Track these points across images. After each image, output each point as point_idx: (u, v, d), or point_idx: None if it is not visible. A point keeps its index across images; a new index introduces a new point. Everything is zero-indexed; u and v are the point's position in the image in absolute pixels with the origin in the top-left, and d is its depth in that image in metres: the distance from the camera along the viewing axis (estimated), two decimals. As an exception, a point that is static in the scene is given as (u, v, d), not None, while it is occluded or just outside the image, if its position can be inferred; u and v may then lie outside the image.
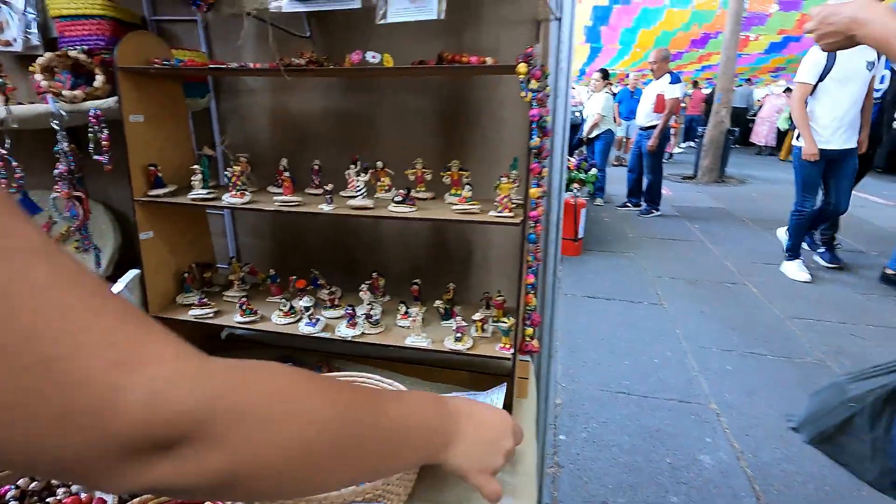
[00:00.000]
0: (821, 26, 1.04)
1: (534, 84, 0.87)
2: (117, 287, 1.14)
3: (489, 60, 0.94)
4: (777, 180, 9.33)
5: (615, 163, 9.82)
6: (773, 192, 8.19)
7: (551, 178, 1.20)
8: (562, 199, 1.25)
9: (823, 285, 4.21)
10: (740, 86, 12.99)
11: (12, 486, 0.80)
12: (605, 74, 7.05)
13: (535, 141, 0.89)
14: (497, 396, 0.98)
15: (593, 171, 5.94)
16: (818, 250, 4.62)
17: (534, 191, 0.92)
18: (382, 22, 0.87)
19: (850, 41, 1.02)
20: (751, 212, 6.87)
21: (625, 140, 9.83)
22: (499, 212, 0.98)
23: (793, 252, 4.37)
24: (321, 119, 1.35)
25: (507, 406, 1.03)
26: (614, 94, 8.41)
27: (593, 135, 6.73)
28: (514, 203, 1.01)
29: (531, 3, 1.10)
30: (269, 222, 1.50)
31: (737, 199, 7.72)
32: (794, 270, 4.33)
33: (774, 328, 3.48)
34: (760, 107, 12.98)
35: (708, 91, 12.74)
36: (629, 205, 6.83)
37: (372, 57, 0.96)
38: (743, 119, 12.80)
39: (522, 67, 0.86)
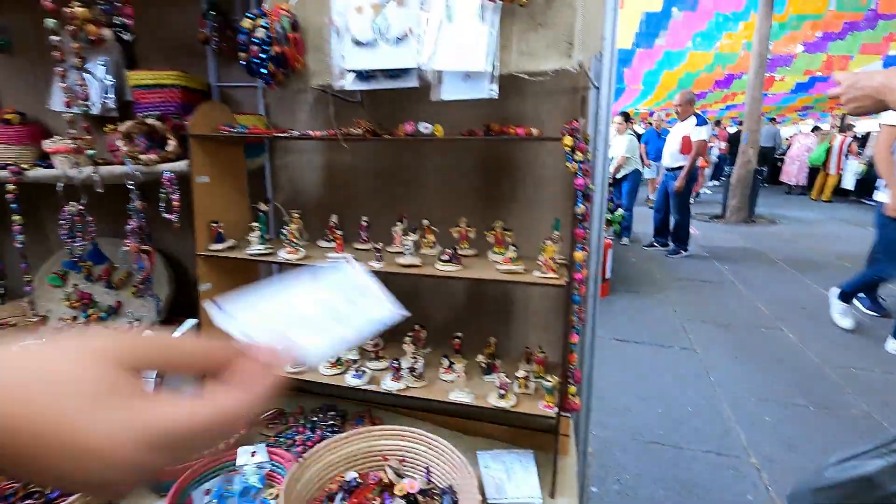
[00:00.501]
0: (849, 90, 1.08)
1: (579, 155, 0.92)
2: (175, 336, 1.20)
3: (535, 132, 1.00)
4: (809, 220, 9.14)
5: (649, 204, 9.76)
6: (806, 233, 8.02)
7: (590, 237, 1.24)
8: (600, 257, 1.28)
9: (865, 333, 4.07)
10: (765, 125, 12.95)
11: None
12: (626, 117, 7.14)
13: (581, 208, 0.94)
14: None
15: (619, 211, 5.95)
16: (859, 295, 4.46)
17: (578, 254, 0.96)
18: (436, 99, 0.94)
19: (878, 105, 1.05)
20: (783, 252, 6.73)
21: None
22: (543, 272, 1.02)
23: (846, 298, 4.18)
24: (368, 176, 1.42)
25: (552, 464, 1.04)
26: (639, 136, 8.48)
27: (620, 175, 6.78)
28: (557, 263, 1.05)
29: (570, 74, 1.17)
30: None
31: (767, 239, 7.58)
32: (838, 315, 4.18)
33: (814, 376, 3.36)
34: (789, 146, 12.87)
35: (733, 130, 12.73)
36: (656, 244, 6.77)
37: (424, 128, 1.03)
38: (770, 158, 12.70)
39: (568, 140, 0.92)
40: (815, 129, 12.76)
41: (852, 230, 8.27)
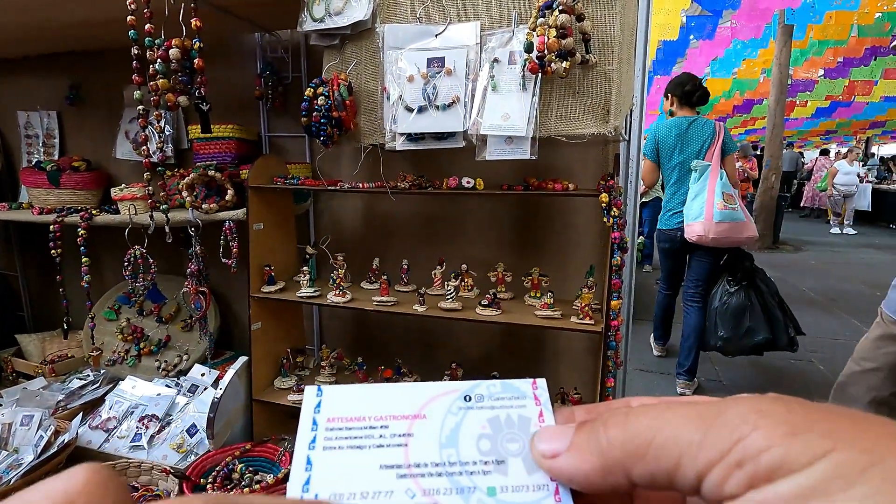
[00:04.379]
0: None
1: (615, 211, 0.98)
2: (229, 374, 1.28)
3: (571, 186, 1.07)
4: (835, 244, 8.99)
5: None
6: (832, 260, 7.89)
7: (623, 283, 1.29)
8: (632, 301, 1.32)
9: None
10: (786, 149, 12.85)
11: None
12: (649, 143, 7.19)
13: (617, 259, 0.99)
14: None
15: (641, 238, 5.95)
16: None
17: (615, 303, 1.01)
18: (481, 159, 1.02)
19: None
20: (808, 281, 6.62)
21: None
22: (580, 318, 1.07)
23: None
24: (408, 221, 1.50)
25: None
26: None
27: (642, 201, 6.79)
28: (592, 309, 1.10)
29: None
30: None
31: (793, 266, 7.47)
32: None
33: (847, 412, 3.28)
34: (810, 171, 12.71)
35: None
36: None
37: (466, 182, 1.11)
38: (789, 182, 12.55)
39: (605, 197, 0.98)
40: (824, 152, 12.54)
41: (874, 254, 8.16)
